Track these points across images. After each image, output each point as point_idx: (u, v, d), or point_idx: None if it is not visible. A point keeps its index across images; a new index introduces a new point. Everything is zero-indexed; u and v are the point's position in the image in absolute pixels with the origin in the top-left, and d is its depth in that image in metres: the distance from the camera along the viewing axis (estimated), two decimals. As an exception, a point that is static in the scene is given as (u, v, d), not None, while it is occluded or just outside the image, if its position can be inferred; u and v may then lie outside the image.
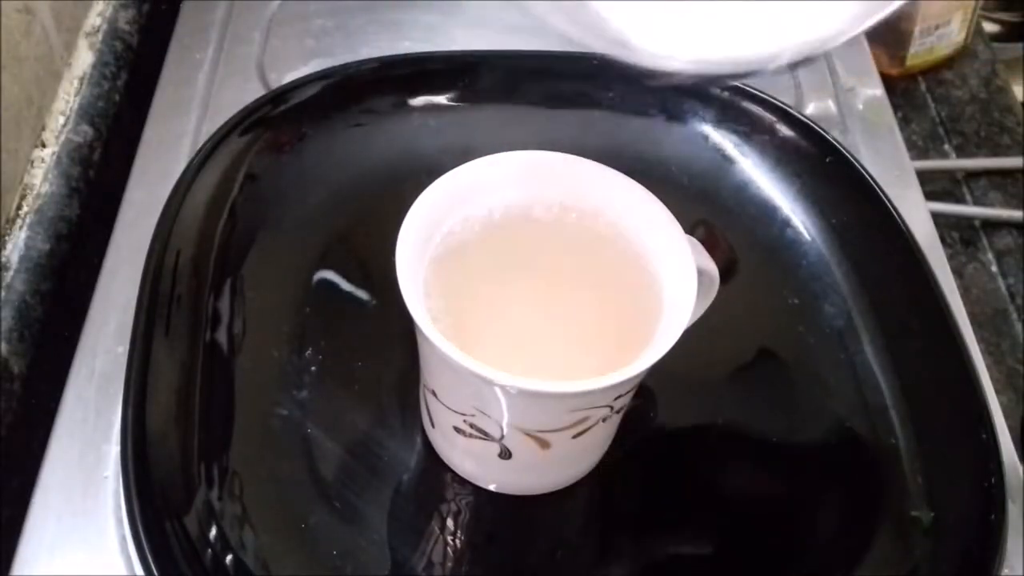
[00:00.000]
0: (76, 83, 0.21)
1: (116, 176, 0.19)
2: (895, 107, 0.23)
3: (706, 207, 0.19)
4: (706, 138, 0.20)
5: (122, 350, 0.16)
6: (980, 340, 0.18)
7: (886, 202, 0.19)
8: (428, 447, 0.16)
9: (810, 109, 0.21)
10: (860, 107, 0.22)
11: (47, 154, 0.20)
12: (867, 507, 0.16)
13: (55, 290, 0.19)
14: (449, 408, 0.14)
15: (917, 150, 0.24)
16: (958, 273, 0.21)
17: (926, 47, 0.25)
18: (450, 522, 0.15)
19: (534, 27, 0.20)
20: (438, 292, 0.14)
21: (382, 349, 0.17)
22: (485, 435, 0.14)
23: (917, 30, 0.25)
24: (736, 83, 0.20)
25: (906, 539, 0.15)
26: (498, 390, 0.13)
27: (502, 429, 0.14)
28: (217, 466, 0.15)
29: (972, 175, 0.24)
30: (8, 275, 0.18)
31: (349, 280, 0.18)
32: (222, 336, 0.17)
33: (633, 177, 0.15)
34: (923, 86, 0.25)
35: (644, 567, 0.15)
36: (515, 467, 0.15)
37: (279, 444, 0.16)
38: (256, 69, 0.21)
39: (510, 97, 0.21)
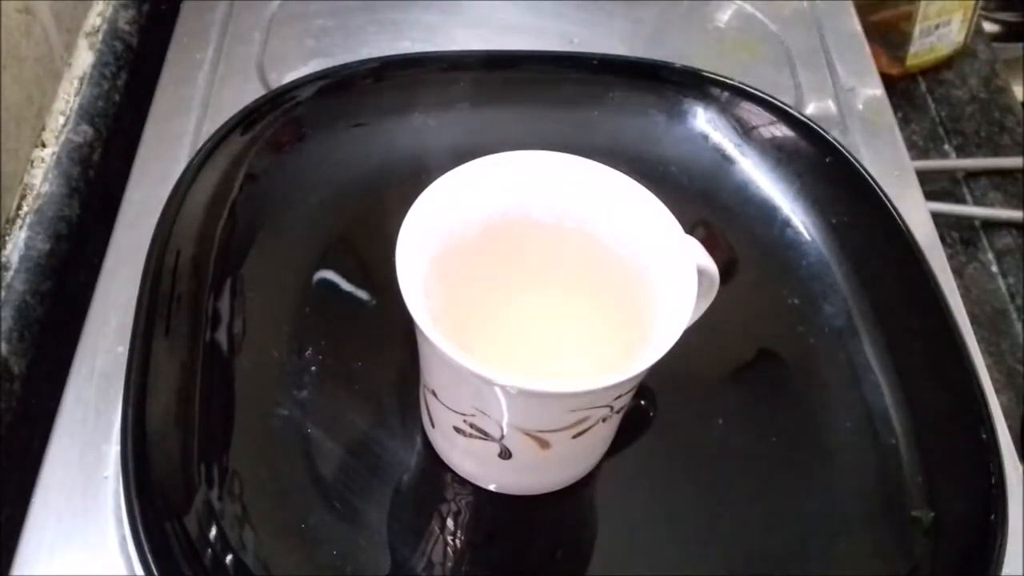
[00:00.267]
0: (76, 83, 0.21)
1: (116, 176, 0.19)
2: (895, 107, 0.23)
3: (706, 207, 0.19)
4: (706, 138, 0.20)
5: (122, 350, 0.16)
6: (980, 340, 0.18)
7: (886, 202, 0.19)
8: (428, 447, 0.16)
9: (810, 109, 0.22)
10: (860, 107, 0.22)
11: (47, 154, 0.20)
12: (867, 506, 0.16)
13: (55, 290, 0.19)
14: (449, 408, 0.14)
15: (917, 150, 0.24)
16: (958, 273, 0.21)
17: (926, 47, 0.25)
18: (450, 522, 0.15)
19: (533, 27, 0.20)
20: (438, 292, 0.14)
21: (382, 349, 0.17)
22: (485, 435, 0.14)
23: (917, 30, 0.25)
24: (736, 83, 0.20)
25: (906, 538, 0.15)
26: (498, 390, 0.13)
27: (502, 429, 0.14)
28: (217, 466, 0.15)
29: (972, 175, 0.24)
30: (8, 275, 0.18)
31: (349, 280, 0.18)
32: (222, 336, 0.17)
33: (633, 177, 0.15)
34: (923, 86, 0.25)
35: (644, 567, 0.15)
36: (515, 467, 0.15)
37: (279, 444, 0.16)
38: (256, 69, 0.21)
39: (510, 97, 0.21)
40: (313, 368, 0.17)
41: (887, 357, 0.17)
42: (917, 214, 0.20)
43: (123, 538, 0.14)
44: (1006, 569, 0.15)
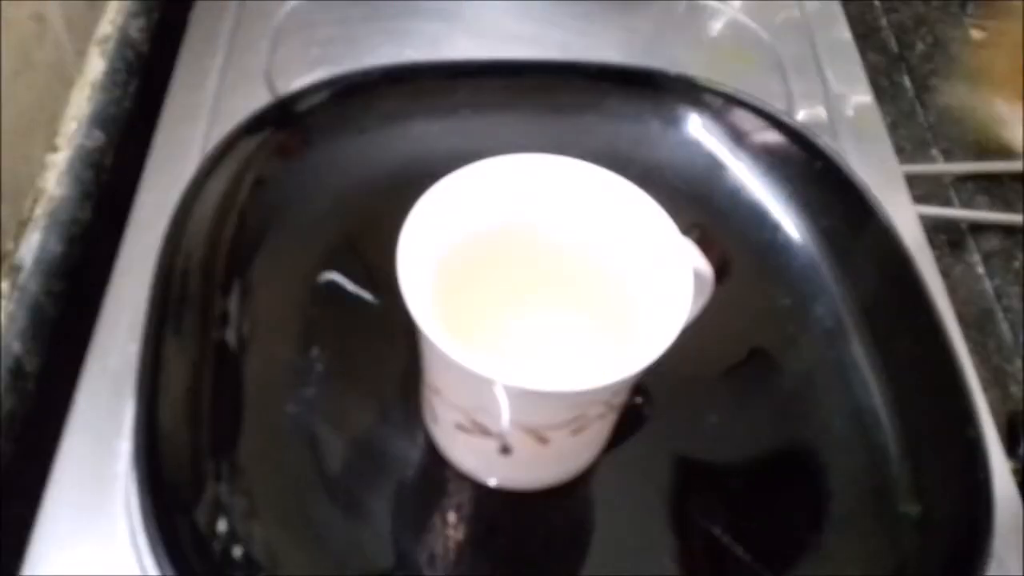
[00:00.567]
0: (88, 89, 0.21)
1: (127, 180, 0.20)
2: (884, 114, 0.23)
3: (700, 211, 0.20)
4: (700, 144, 0.21)
5: (134, 349, 0.16)
6: (967, 339, 0.18)
7: (875, 205, 0.19)
8: (430, 443, 0.16)
9: (801, 115, 0.22)
10: (850, 113, 0.22)
11: (60, 158, 0.20)
12: (856, 503, 0.16)
13: (68, 291, 0.19)
14: (450, 405, 0.14)
15: (906, 155, 0.25)
16: (945, 274, 0.21)
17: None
18: (451, 516, 0.15)
19: (534, 36, 0.21)
20: (440, 293, 0.14)
21: (385, 348, 0.17)
22: (486, 432, 0.14)
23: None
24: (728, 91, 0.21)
25: (894, 533, 0.16)
26: (498, 389, 0.13)
27: (502, 425, 0.14)
28: (226, 462, 0.15)
29: (959, 179, 0.25)
30: (22, 276, 0.18)
31: (354, 281, 0.18)
32: (231, 335, 0.17)
33: (629, 181, 0.15)
34: (912, 93, 0.26)
35: (641, 561, 0.15)
36: (515, 463, 0.15)
37: (286, 440, 0.16)
38: (264, 77, 0.21)
39: (510, 104, 0.21)
40: (319, 367, 0.17)
41: (876, 356, 0.18)
42: (905, 217, 0.20)
43: (133, 533, 0.15)
44: (1005, 569, 0.15)
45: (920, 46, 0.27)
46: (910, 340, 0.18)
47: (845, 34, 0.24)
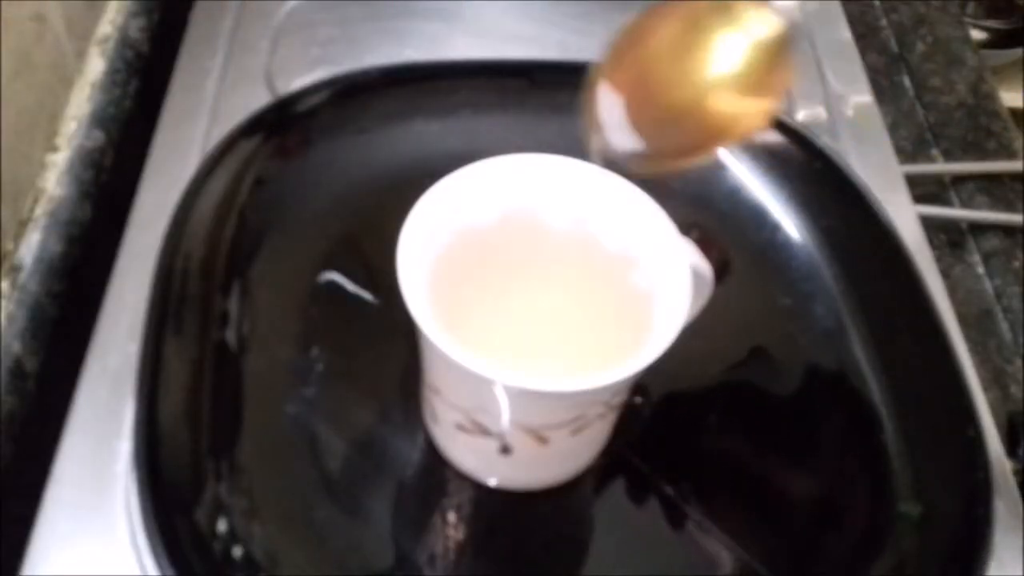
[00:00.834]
0: (88, 89, 0.21)
1: (127, 180, 0.20)
2: (884, 113, 0.23)
3: (699, 211, 0.20)
4: (700, 144, 0.21)
5: (134, 349, 0.16)
6: (967, 339, 0.18)
7: (875, 205, 0.19)
8: (430, 443, 0.16)
9: (801, 115, 0.22)
10: (850, 113, 0.22)
11: (60, 158, 0.20)
12: (856, 503, 0.16)
13: (68, 291, 0.19)
14: (450, 405, 0.15)
15: (905, 155, 0.25)
16: (945, 274, 0.21)
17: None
18: (451, 516, 0.15)
19: (533, 36, 0.21)
20: (439, 292, 0.14)
21: (385, 348, 0.17)
22: (485, 431, 0.14)
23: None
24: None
25: (895, 533, 0.16)
26: (498, 389, 0.13)
27: (502, 425, 0.14)
28: (226, 461, 0.15)
29: (959, 179, 0.24)
30: (22, 276, 0.18)
31: (354, 281, 0.18)
32: (231, 335, 0.17)
33: (629, 180, 0.15)
34: (912, 92, 0.26)
35: (641, 561, 0.15)
36: (515, 462, 0.15)
37: (286, 440, 0.16)
38: (264, 77, 0.21)
39: (510, 103, 0.21)
40: (319, 367, 0.17)
41: (876, 356, 0.18)
42: (905, 217, 0.20)
43: (133, 533, 0.15)
44: (1005, 569, 0.15)
45: (920, 46, 0.27)
46: (910, 340, 0.18)
47: (845, 34, 0.24)
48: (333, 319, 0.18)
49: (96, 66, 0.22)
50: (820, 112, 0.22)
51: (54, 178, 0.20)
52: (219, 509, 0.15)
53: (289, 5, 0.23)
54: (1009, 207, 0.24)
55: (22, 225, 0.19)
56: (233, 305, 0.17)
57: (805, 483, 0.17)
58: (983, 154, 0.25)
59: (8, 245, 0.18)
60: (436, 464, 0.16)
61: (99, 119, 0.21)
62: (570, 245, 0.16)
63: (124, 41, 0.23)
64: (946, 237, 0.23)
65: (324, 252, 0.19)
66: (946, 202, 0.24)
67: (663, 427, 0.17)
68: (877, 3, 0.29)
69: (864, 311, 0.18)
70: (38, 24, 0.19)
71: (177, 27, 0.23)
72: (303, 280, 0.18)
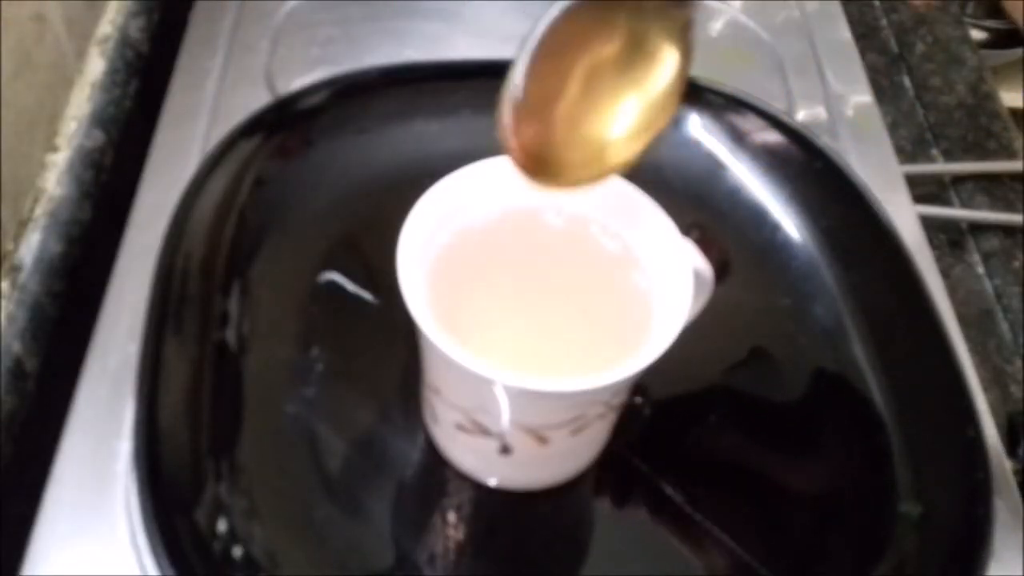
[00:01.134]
0: (88, 89, 0.21)
1: (127, 180, 0.20)
2: (884, 113, 0.23)
3: (700, 210, 0.20)
4: (700, 144, 0.21)
5: (134, 349, 0.16)
6: (967, 339, 0.18)
7: (874, 205, 0.19)
8: (430, 443, 0.16)
9: (801, 115, 0.22)
10: (850, 113, 0.22)
11: (60, 158, 0.20)
12: (857, 503, 0.16)
13: (68, 290, 0.19)
14: (450, 405, 0.15)
15: (905, 155, 0.25)
16: (945, 274, 0.21)
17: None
18: (451, 516, 0.15)
19: (533, 36, 0.20)
20: (439, 292, 0.14)
21: (385, 348, 0.17)
22: (485, 431, 0.14)
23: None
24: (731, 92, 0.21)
25: (895, 533, 0.16)
26: (498, 389, 0.13)
27: (502, 425, 0.14)
28: (226, 461, 0.15)
29: (959, 179, 0.25)
30: (22, 276, 0.18)
31: (354, 281, 0.18)
32: (231, 335, 0.17)
33: (629, 181, 0.15)
34: (912, 92, 0.26)
35: (640, 560, 0.15)
36: (515, 463, 0.15)
37: (286, 440, 0.16)
38: (264, 77, 0.21)
39: (510, 104, 0.21)
40: (319, 367, 0.17)
41: (876, 356, 0.18)
42: (905, 217, 0.20)
43: (133, 533, 0.15)
44: (1005, 569, 0.15)
45: (920, 46, 0.27)
46: (910, 340, 0.18)
47: (845, 34, 0.24)
48: (333, 319, 0.18)
49: (96, 66, 0.22)
50: (820, 112, 0.22)
51: (54, 178, 0.20)
52: (219, 509, 0.15)
53: (289, 5, 0.23)
54: (1009, 207, 0.24)
55: (22, 225, 0.19)
56: (233, 305, 0.17)
57: (805, 483, 0.17)
58: (983, 154, 0.25)
59: (8, 245, 0.18)
60: (436, 464, 0.16)
61: (99, 119, 0.21)
62: (570, 245, 0.16)
63: (124, 41, 0.23)
64: (946, 237, 0.23)
65: (324, 252, 0.19)
66: (946, 202, 0.24)
67: (663, 427, 0.17)
68: (877, 3, 0.29)
69: (864, 311, 0.18)
70: (38, 24, 0.19)
71: (177, 27, 0.23)
72: (303, 280, 0.18)
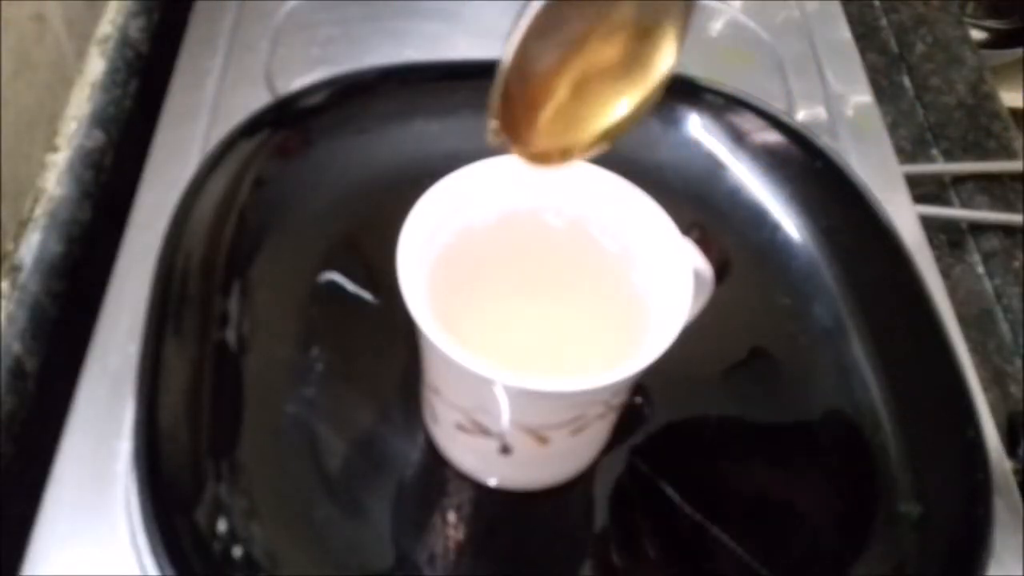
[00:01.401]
0: (88, 89, 0.21)
1: (127, 180, 0.20)
2: (884, 113, 0.23)
3: (700, 210, 0.20)
4: (700, 144, 0.21)
5: (134, 349, 0.16)
6: (967, 339, 0.18)
7: (874, 205, 0.19)
8: (430, 443, 0.16)
9: (801, 115, 0.22)
10: (850, 113, 0.22)
11: (60, 158, 0.20)
12: (856, 502, 0.16)
13: (68, 291, 0.19)
14: (450, 405, 0.15)
15: (905, 155, 0.25)
16: (945, 274, 0.21)
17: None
18: (451, 516, 0.15)
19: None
20: (439, 292, 0.14)
21: (385, 348, 0.17)
22: (485, 431, 0.14)
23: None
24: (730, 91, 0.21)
25: (895, 533, 0.16)
26: (498, 388, 0.13)
27: (502, 425, 0.14)
28: (226, 461, 0.15)
29: (959, 179, 0.24)
30: (22, 276, 0.18)
31: (354, 281, 0.18)
32: (231, 335, 0.17)
33: (629, 180, 0.15)
34: (912, 92, 0.26)
35: (641, 561, 0.15)
36: (515, 463, 0.15)
37: (286, 440, 0.16)
38: (264, 77, 0.21)
39: (510, 104, 0.21)
40: (319, 367, 0.17)
41: (876, 356, 0.18)
42: (905, 217, 0.20)
43: (133, 533, 0.15)
44: (1005, 569, 0.15)
45: (920, 46, 0.27)
46: (910, 340, 0.18)
47: (845, 34, 0.24)
48: (333, 319, 0.18)
49: (96, 66, 0.22)
50: (820, 112, 0.22)
51: (54, 178, 0.20)
52: (219, 509, 0.15)
53: (289, 5, 0.23)
54: (1009, 207, 0.24)
55: (22, 225, 0.19)
56: (233, 305, 0.17)
57: (805, 483, 0.17)
58: (983, 154, 0.25)
59: (8, 245, 0.18)
60: (436, 464, 0.16)
61: (99, 119, 0.21)
62: (571, 245, 0.16)
63: (124, 41, 0.23)
64: (946, 237, 0.23)
65: (324, 252, 0.19)
66: (946, 202, 0.24)
67: (663, 427, 0.17)
68: (877, 3, 0.29)
69: (864, 311, 0.18)
70: (38, 24, 0.19)
71: (177, 27, 0.23)
72: (303, 280, 0.18)
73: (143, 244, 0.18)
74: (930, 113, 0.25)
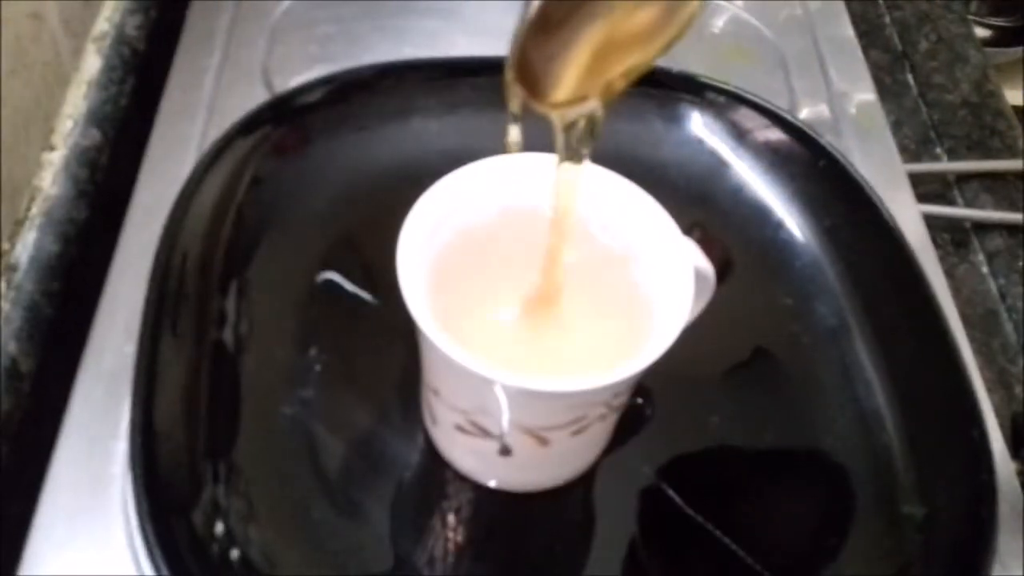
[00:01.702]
0: (84, 88, 0.21)
1: (123, 179, 0.20)
2: (887, 111, 0.23)
3: (702, 209, 0.20)
4: (702, 142, 0.21)
5: (130, 349, 0.16)
6: (971, 340, 0.18)
7: (878, 204, 0.19)
8: (429, 444, 0.16)
9: (804, 113, 0.22)
10: (853, 111, 0.22)
11: (56, 157, 0.20)
12: (860, 503, 0.16)
13: (64, 290, 0.19)
14: (450, 407, 0.14)
15: (909, 153, 0.25)
16: (949, 274, 0.21)
17: None
18: (451, 518, 0.15)
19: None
20: (439, 292, 0.14)
21: (384, 348, 0.17)
22: (485, 433, 0.14)
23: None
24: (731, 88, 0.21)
25: (899, 535, 0.15)
26: (498, 389, 0.13)
27: (502, 427, 0.14)
28: (223, 463, 0.15)
29: (963, 178, 0.24)
30: (18, 275, 0.18)
31: (352, 281, 0.18)
32: (228, 335, 0.17)
33: (631, 180, 0.15)
34: (915, 91, 0.26)
35: (641, 562, 0.15)
36: (515, 464, 0.15)
37: (284, 441, 0.16)
38: (261, 74, 0.21)
39: (510, 102, 0.21)
40: (317, 367, 0.17)
41: (879, 356, 0.18)
42: (909, 216, 0.20)
43: (130, 534, 0.15)
44: (1009, 570, 0.15)
45: (924, 44, 0.27)
46: (913, 340, 0.18)
47: (848, 32, 0.24)
48: (331, 319, 0.18)
49: (92, 64, 0.22)
50: (823, 110, 0.22)
51: (50, 177, 0.20)
52: (216, 511, 0.15)
53: (286, 3, 0.23)
54: (1013, 206, 0.24)
55: (18, 224, 0.19)
56: (230, 305, 0.17)
57: (808, 484, 0.17)
58: (987, 153, 0.25)
59: (4, 244, 0.18)
60: (435, 465, 0.16)
61: (95, 117, 0.21)
62: (571, 245, 0.16)
63: (121, 39, 0.23)
64: (950, 236, 0.23)
65: (322, 251, 0.19)
66: (950, 201, 0.24)
67: (664, 428, 0.17)
68: (880, 1, 0.29)
69: (867, 311, 0.18)
70: (35, 22, 0.19)
71: (174, 25, 0.23)
72: (301, 280, 0.18)
73: (140, 243, 0.18)
74: (934, 111, 0.25)
